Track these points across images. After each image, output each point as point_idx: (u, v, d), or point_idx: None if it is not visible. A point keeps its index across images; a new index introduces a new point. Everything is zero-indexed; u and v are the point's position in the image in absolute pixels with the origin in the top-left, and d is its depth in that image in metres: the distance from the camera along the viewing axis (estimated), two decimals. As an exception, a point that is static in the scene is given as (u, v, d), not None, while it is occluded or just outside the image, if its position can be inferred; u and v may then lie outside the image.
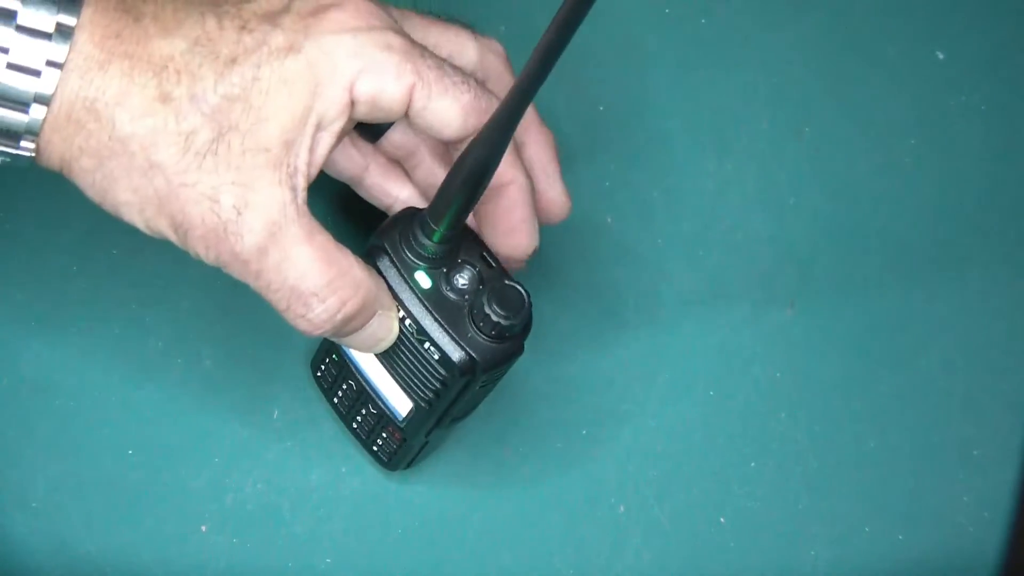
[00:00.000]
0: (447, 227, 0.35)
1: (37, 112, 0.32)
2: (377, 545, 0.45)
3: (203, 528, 0.44)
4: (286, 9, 0.34)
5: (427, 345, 0.37)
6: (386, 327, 0.37)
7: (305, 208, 0.34)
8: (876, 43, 0.51)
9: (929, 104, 0.50)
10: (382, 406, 0.41)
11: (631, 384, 0.47)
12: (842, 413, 0.47)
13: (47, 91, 0.32)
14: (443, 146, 0.40)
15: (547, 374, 0.47)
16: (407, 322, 0.37)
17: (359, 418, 0.42)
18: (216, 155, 0.32)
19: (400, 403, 0.40)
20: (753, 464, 0.47)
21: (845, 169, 0.49)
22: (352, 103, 0.34)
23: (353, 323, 0.36)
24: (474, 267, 0.37)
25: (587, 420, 0.47)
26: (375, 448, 0.43)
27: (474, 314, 0.36)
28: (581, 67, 0.50)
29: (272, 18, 0.34)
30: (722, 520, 0.46)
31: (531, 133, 0.40)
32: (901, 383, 0.48)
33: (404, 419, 0.40)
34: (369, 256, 0.37)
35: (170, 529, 0.44)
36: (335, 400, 0.43)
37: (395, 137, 0.41)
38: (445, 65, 0.35)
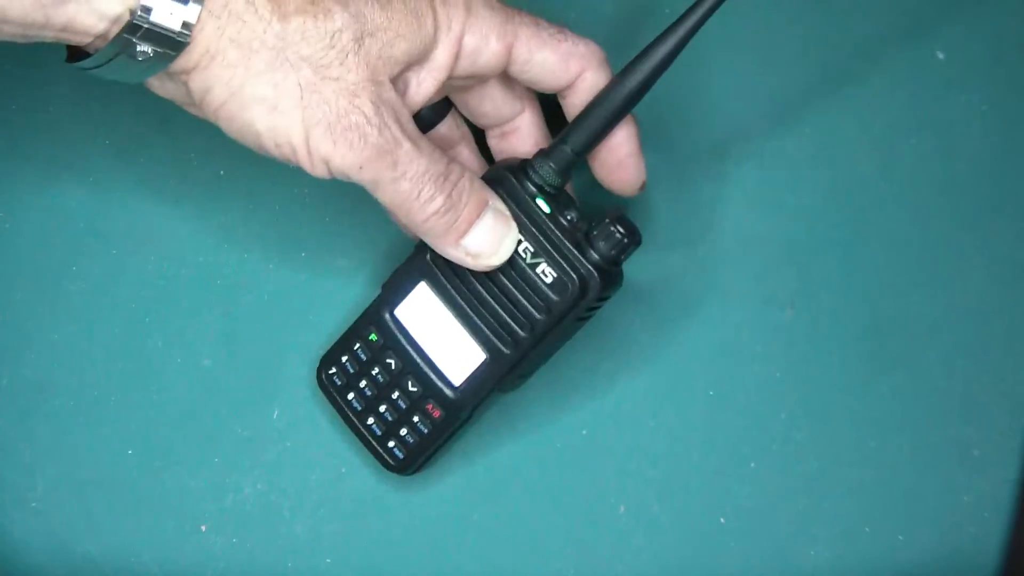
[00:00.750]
0: (580, 152, 0.40)
1: None
2: (377, 545, 0.45)
3: (203, 528, 0.45)
4: None
5: (541, 267, 0.39)
6: (503, 222, 0.39)
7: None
8: (876, 43, 0.51)
9: (929, 104, 0.50)
10: (429, 377, 0.41)
11: (631, 384, 0.47)
12: (842, 413, 0.47)
13: None
14: (479, 137, 0.45)
15: (547, 374, 0.47)
16: (522, 245, 0.39)
17: (384, 407, 0.42)
18: (357, 55, 0.36)
19: (465, 361, 0.40)
20: (753, 464, 0.47)
21: (845, 169, 0.49)
22: (457, 56, 0.38)
23: (470, 205, 0.38)
24: (579, 204, 0.41)
25: (587, 420, 0.47)
26: (392, 444, 0.43)
27: (593, 235, 0.40)
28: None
29: None
30: (722, 520, 0.46)
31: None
32: (901, 383, 0.48)
33: (462, 383, 0.41)
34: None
35: (170, 529, 0.44)
36: (351, 396, 0.43)
37: (443, 131, 0.44)
38: (541, 21, 0.40)
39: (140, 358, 0.45)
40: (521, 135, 0.44)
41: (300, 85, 0.35)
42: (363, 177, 0.36)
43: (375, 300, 0.42)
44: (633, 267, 0.46)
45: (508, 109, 0.43)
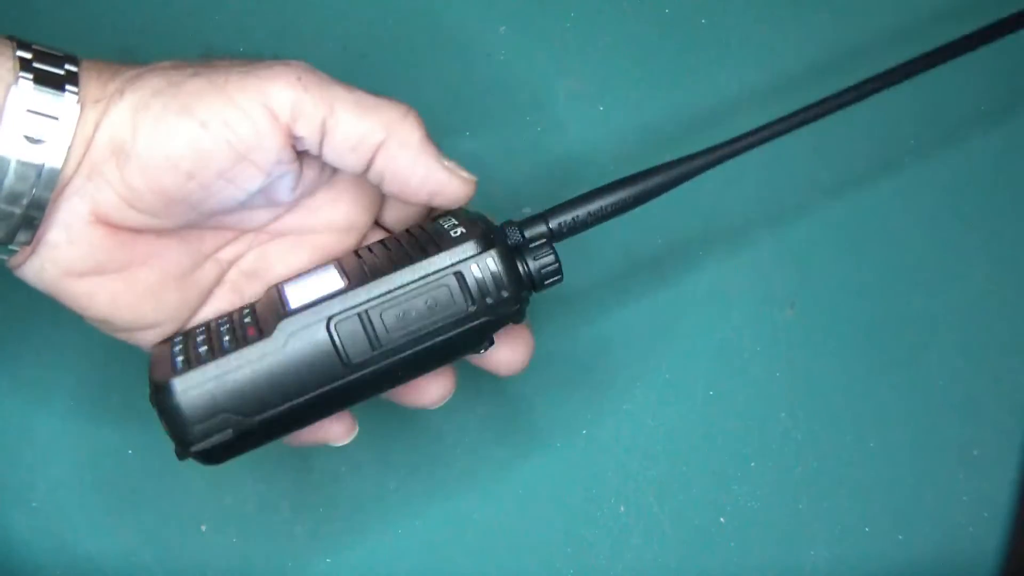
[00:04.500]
0: (556, 232, 0.38)
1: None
2: (377, 545, 0.45)
3: (203, 528, 0.44)
4: None
5: (455, 228, 0.37)
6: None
7: None
8: (876, 43, 0.51)
9: (929, 104, 0.50)
10: (268, 308, 0.36)
11: (631, 384, 0.47)
12: (842, 413, 0.47)
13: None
14: None
15: (547, 374, 0.47)
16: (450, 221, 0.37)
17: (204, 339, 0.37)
18: None
19: (316, 289, 0.36)
20: (753, 464, 0.47)
21: (845, 169, 0.49)
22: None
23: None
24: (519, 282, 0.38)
25: (587, 420, 0.47)
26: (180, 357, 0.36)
27: (532, 247, 0.37)
28: (580, 66, 0.50)
29: None
30: (722, 520, 0.46)
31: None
32: (901, 383, 0.48)
33: (298, 306, 0.35)
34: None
35: (170, 529, 0.44)
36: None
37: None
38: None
39: (140, 358, 0.45)
40: None
41: None
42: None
43: None
44: (634, 267, 0.46)
45: None
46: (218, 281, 0.39)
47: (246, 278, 0.39)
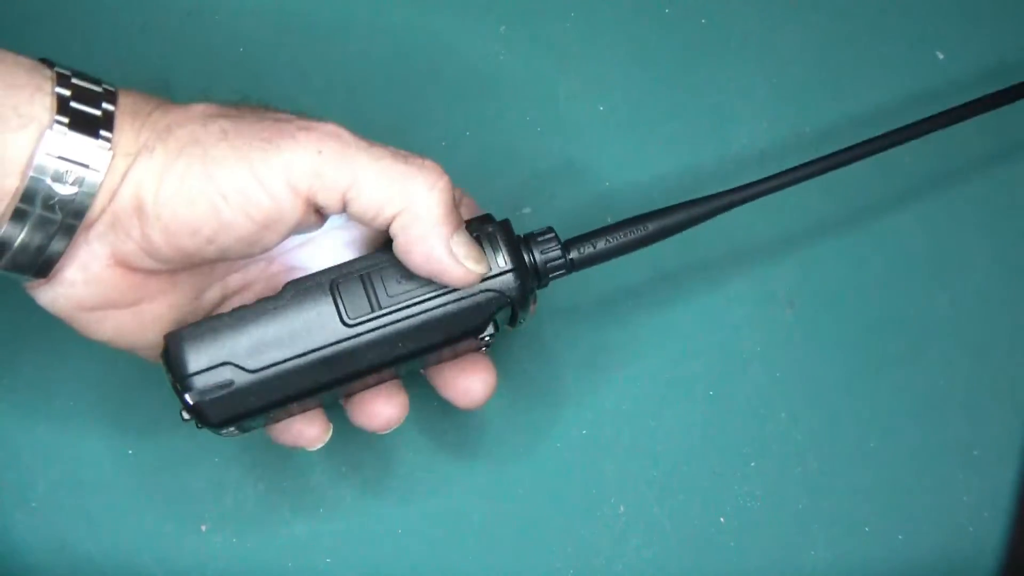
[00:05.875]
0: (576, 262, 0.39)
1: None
2: (377, 545, 0.45)
3: (203, 528, 0.44)
4: None
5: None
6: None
7: None
8: (876, 43, 0.51)
9: (929, 104, 0.50)
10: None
11: (631, 384, 0.47)
12: (842, 413, 0.47)
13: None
14: None
15: (547, 374, 0.47)
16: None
17: None
18: None
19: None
20: (753, 464, 0.47)
21: (845, 169, 0.49)
22: None
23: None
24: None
25: (587, 420, 0.47)
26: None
27: (536, 240, 0.39)
28: (580, 66, 0.50)
29: None
30: (722, 520, 0.46)
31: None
32: (901, 383, 0.48)
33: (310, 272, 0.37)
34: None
35: (170, 529, 0.44)
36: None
37: None
38: None
39: (140, 358, 0.45)
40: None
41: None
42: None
43: None
44: (634, 267, 0.46)
45: None
46: (220, 303, 0.39)
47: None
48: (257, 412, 0.36)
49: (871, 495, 0.47)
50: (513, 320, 0.39)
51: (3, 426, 0.45)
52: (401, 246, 0.36)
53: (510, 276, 0.37)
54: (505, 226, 0.38)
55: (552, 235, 0.39)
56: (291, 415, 0.39)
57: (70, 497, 0.44)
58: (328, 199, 0.35)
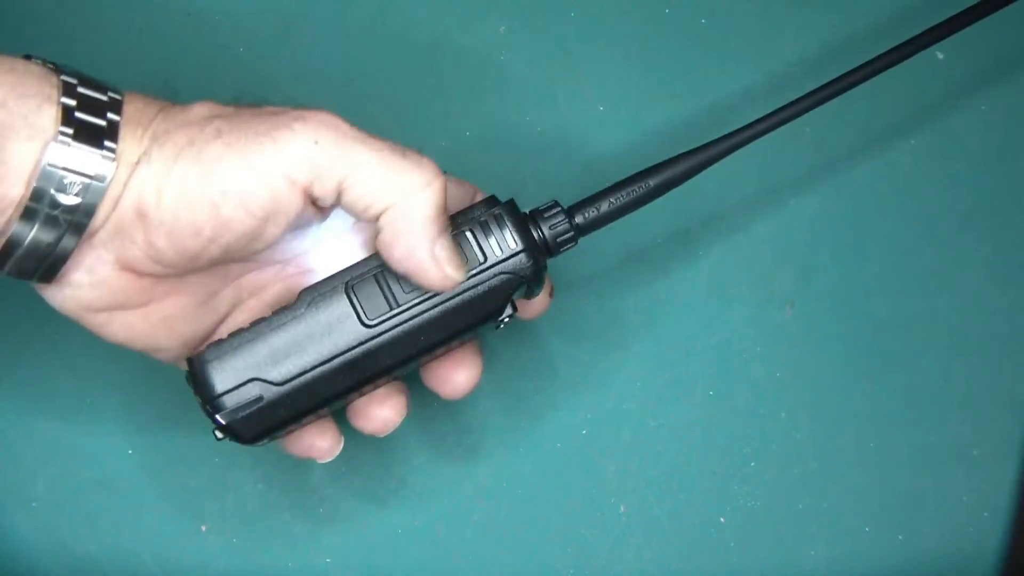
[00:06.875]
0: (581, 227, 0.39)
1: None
2: (377, 545, 0.45)
3: (203, 528, 0.45)
4: None
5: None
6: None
7: None
8: (876, 43, 0.51)
9: (929, 104, 0.50)
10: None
11: (631, 384, 0.47)
12: (842, 413, 0.47)
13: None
14: None
15: (547, 374, 0.47)
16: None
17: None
18: None
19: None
20: (753, 464, 0.47)
21: (845, 169, 0.49)
22: None
23: None
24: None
25: (587, 420, 0.47)
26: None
27: (544, 215, 0.39)
28: (580, 66, 0.50)
29: None
30: (722, 520, 0.46)
31: None
32: (901, 383, 0.48)
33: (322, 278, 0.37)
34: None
35: (170, 529, 0.44)
36: None
37: None
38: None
39: (140, 358, 0.45)
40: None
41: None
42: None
43: None
44: (634, 267, 0.46)
45: None
46: (235, 306, 0.39)
47: (268, 309, 0.38)
48: (288, 422, 0.37)
49: (871, 495, 0.47)
50: (529, 294, 0.39)
51: (3, 426, 0.45)
52: (385, 239, 0.36)
53: (522, 256, 0.37)
54: (511, 206, 0.38)
55: (557, 208, 0.39)
56: (320, 418, 0.39)
57: (70, 497, 0.44)
58: (323, 189, 0.35)
